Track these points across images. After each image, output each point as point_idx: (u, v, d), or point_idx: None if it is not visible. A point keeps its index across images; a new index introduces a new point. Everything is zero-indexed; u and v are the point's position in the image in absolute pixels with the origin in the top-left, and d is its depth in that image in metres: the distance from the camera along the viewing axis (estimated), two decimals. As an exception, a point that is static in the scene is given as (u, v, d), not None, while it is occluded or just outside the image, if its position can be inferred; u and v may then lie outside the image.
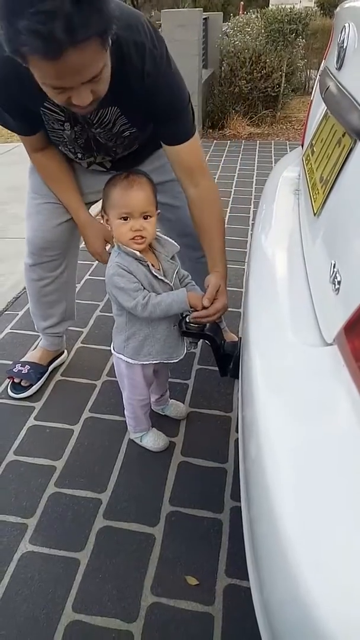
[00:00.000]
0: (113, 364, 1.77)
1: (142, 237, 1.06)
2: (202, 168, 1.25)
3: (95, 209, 1.44)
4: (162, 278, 1.11)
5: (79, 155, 1.31)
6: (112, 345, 1.25)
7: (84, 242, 1.46)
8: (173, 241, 1.18)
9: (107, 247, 1.39)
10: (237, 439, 1.46)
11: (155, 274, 1.09)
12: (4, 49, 0.80)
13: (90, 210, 1.45)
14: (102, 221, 1.15)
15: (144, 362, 1.19)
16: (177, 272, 1.16)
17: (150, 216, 1.07)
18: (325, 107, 1.05)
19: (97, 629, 1.01)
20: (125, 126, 1.19)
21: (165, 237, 1.18)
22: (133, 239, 1.06)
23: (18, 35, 0.75)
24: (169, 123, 1.16)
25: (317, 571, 0.48)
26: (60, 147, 1.29)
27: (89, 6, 0.76)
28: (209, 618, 1.03)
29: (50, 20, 0.73)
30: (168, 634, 1.00)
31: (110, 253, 1.17)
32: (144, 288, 1.09)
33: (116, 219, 1.06)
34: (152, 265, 1.09)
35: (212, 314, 1.11)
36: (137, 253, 1.07)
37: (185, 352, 1.25)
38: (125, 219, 1.05)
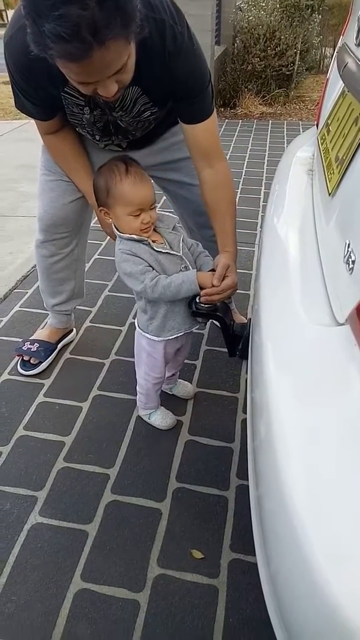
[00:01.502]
0: (121, 343, 1.79)
1: (150, 227, 1.09)
2: (218, 149, 1.24)
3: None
4: (168, 250, 1.11)
5: (97, 137, 1.30)
6: (136, 322, 1.26)
7: (97, 221, 1.46)
8: (169, 214, 1.18)
9: None
10: (244, 419, 1.48)
11: (158, 248, 1.09)
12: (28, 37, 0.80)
13: None
14: (101, 215, 1.14)
15: (169, 337, 1.20)
16: (183, 241, 1.16)
17: (155, 205, 1.09)
18: (343, 85, 1.03)
19: (105, 597, 1.04)
20: (146, 105, 1.17)
21: (160, 212, 1.19)
22: (143, 229, 1.08)
23: (44, 37, 0.75)
24: (188, 101, 1.15)
25: (326, 546, 0.49)
26: (78, 129, 1.28)
27: (112, 5, 0.75)
28: (214, 590, 1.05)
29: (75, 24, 0.73)
30: (173, 604, 1.03)
31: None
32: (153, 268, 1.09)
33: (127, 215, 1.06)
34: (152, 241, 1.10)
35: (222, 291, 1.11)
36: (135, 235, 1.07)
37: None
38: (136, 214, 1.06)
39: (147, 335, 1.22)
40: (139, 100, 1.15)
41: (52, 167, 1.41)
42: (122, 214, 1.07)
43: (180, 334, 1.21)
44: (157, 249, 1.09)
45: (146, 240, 1.09)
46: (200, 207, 1.34)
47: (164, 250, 1.10)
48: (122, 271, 1.11)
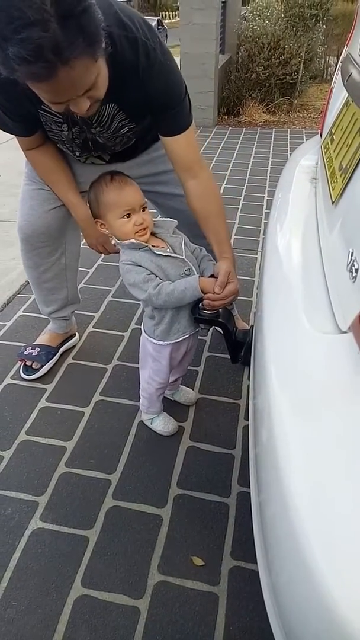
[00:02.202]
0: (124, 348, 1.80)
1: (145, 228, 1.10)
2: (198, 159, 1.26)
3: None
4: (169, 253, 1.12)
5: (77, 153, 1.32)
6: (142, 327, 1.27)
7: (83, 238, 1.46)
8: (168, 218, 1.20)
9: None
10: (245, 425, 1.47)
11: (159, 252, 1.10)
12: None
13: None
14: (98, 227, 1.16)
15: (175, 341, 1.21)
16: (185, 244, 1.17)
17: (146, 207, 1.11)
18: (347, 95, 1.04)
19: (105, 603, 1.04)
20: (124, 122, 1.20)
21: (158, 218, 1.20)
22: (137, 232, 1.09)
23: (9, 61, 0.77)
24: (165, 114, 1.17)
25: (328, 552, 0.49)
26: (58, 145, 1.30)
27: (74, 25, 0.77)
28: (214, 597, 1.05)
29: (37, 45, 0.74)
30: (173, 611, 1.02)
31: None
32: (156, 276, 1.10)
33: (118, 219, 1.09)
34: (153, 246, 1.11)
35: (224, 297, 1.12)
36: (134, 241, 1.08)
37: None
38: (127, 216, 1.08)
39: (153, 340, 1.22)
40: (116, 117, 1.17)
41: (35, 177, 1.42)
42: (114, 220, 1.09)
43: (186, 336, 1.21)
44: (157, 253, 1.10)
45: (146, 247, 1.10)
46: (193, 217, 1.35)
47: (164, 254, 1.11)
48: (127, 282, 1.12)
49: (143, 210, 1.10)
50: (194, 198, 1.26)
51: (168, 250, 1.13)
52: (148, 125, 1.24)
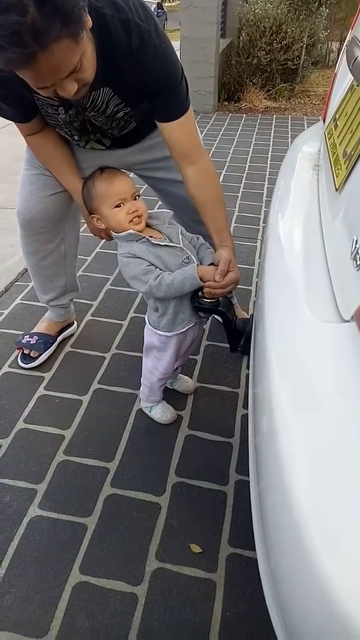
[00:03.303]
0: (122, 337, 1.79)
1: (139, 216, 1.10)
2: (197, 145, 1.23)
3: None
4: (167, 243, 1.11)
5: (76, 137, 1.30)
6: (146, 319, 1.25)
7: (85, 223, 1.44)
8: (162, 209, 1.19)
9: None
10: (244, 414, 1.47)
11: (156, 242, 1.09)
12: None
13: None
14: (94, 223, 1.17)
15: (181, 331, 1.20)
16: (182, 234, 1.15)
17: (139, 195, 1.12)
18: (352, 79, 1.01)
19: (103, 590, 1.04)
20: (119, 106, 1.17)
21: (153, 210, 1.19)
22: (132, 221, 1.09)
23: None
24: (161, 99, 1.14)
25: (328, 541, 0.49)
26: (56, 130, 1.28)
27: (50, 7, 0.75)
28: (211, 584, 1.06)
29: (14, 31, 0.73)
30: (171, 598, 1.03)
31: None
32: (156, 267, 1.08)
33: (111, 209, 1.09)
34: (150, 236, 1.10)
35: (225, 285, 1.11)
36: (132, 231, 1.08)
37: None
38: (119, 205, 1.08)
39: (158, 332, 1.21)
40: (111, 101, 1.15)
41: (35, 162, 1.40)
42: (107, 211, 1.10)
43: (191, 325, 1.20)
44: (155, 243, 1.09)
45: (143, 237, 1.08)
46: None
47: (162, 243, 1.10)
48: (127, 275, 1.12)
49: (136, 199, 1.10)
50: (192, 185, 1.24)
51: (165, 240, 1.12)
52: (147, 109, 1.22)
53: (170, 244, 1.11)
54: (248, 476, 1.19)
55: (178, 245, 1.12)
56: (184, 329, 1.20)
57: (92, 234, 1.43)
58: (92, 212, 1.14)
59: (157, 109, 1.17)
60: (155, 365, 1.30)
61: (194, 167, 1.22)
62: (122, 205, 1.08)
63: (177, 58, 1.12)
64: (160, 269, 1.09)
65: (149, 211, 1.15)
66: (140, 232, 1.10)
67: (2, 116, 1.20)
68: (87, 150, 1.39)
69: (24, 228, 1.48)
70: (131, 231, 1.08)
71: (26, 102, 1.14)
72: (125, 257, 1.10)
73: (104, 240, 1.38)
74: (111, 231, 1.14)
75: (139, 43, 1.02)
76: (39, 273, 1.61)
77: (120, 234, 1.10)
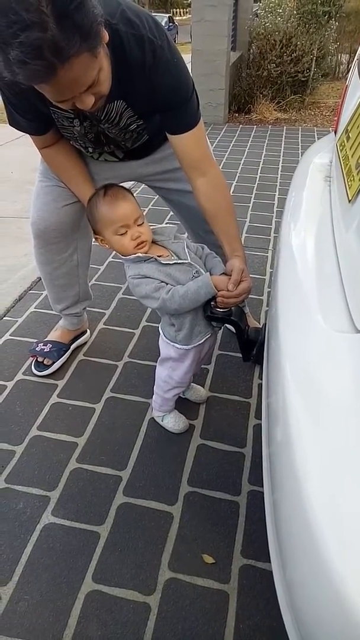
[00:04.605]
0: (134, 345, 1.80)
1: (143, 242, 1.09)
2: (208, 157, 1.25)
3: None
4: (175, 261, 1.12)
5: (90, 150, 1.33)
6: (161, 333, 1.25)
7: None
8: (166, 224, 1.18)
9: None
10: (256, 424, 1.47)
11: (165, 262, 1.10)
12: None
13: None
14: (98, 243, 1.16)
15: (199, 343, 1.20)
16: (187, 247, 1.16)
17: (143, 220, 1.10)
18: (364, 92, 1.03)
19: (116, 599, 1.04)
20: (132, 119, 1.20)
21: (157, 225, 1.20)
22: (136, 247, 1.09)
23: (10, 65, 0.78)
24: (172, 113, 1.16)
25: (344, 551, 0.49)
26: (71, 142, 1.31)
27: (70, 23, 0.78)
28: (224, 595, 1.05)
29: (36, 47, 0.75)
30: (184, 608, 1.03)
31: None
32: (167, 283, 1.09)
33: (114, 236, 1.08)
34: (158, 256, 1.10)
35: (238, 295, 1.12)
36: (140, 254, 1.08)
37: None
38: (123, 232, 1.08)
39: (176, 345, 1.21)
40: (124, 114, 1.17)
41: (49, 174, 1.43)
42: (110, 236, 1.09)
43: (208, 336, 1.21)
44: (164, 263, 1.10)
45: (152, 258, 1.09)
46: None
47: (171, 262, 1.11)
48: (138, 295, 1.12)
49: (140, 225, 1.09)
50: (202, 196, 1.25)
51: (173, 257, 1.13)
52: (159, 122, 1.24)
53: (179, 261, 1.12)
54: (260, 486, 1.18)
55: (186, 261, 1.13)
56: (202, 341, 1.20)
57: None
58: (96, 233, 1.13)
59: (168, 122, 1.19)
60: (170, 374, 1.30)
61: (204, 179, 1.23)
62: (125, 232, 1.08)
63: (188, 73, 1.15)
64: (171, 285, 1.10)
65: (152, 227, 1.15)
66: (146, 252, 1.10)
67: (18, 129, 1.23)
68: (101, 162, 1.41)
69: (38, 238, 1.51)
70: (139, 254, 1.08)
71: (42, 116, 1.17)
72: (136, 279, 1.10)
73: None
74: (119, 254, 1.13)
75: (152, 58, 1.05)
76: (52, 282, 1.63)
77: (127, 257, 1.10)
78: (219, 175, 1.27)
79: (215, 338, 1.32)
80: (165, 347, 1.26)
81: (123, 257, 1.12)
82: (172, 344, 1.22)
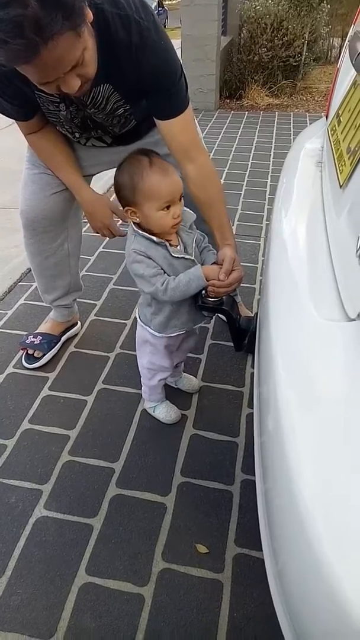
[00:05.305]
0: (126, 336, 1.78)
1: (179, 223, 1.05)
2: (197, 143, 1.23)
3: (98, 183, 1.42)
4: (183, 255, 1.09)
5: (76, 135, 1.30)
6: (137, 314, 1.24)
7: (87, 221, 1.44)
8: (187, 209, 1.14)
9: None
10: (249, 413, 1.47)
11: (175, 254, 1.07)
12: None
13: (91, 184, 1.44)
14: (126, 216, 1.06)
15: (171, 335, 1.19)
16: (195, 241, 1.14)
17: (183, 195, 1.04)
18: (355, 74, 1.00)
19: (110, 591, 1.04)
20: (119, 103, 1.17)
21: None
22: (173, 226, 1.04)
23: None
24: (160, 96, 1.13)
25: (335, 541, 0.49)
26: (57, 127, 1.28)
27: (52, 1, 0.75)
28: (218, 585, 1.05)
29: (17, 24, 0.73)
30: (178, 598, 1.03)
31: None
32: (164, 271, 1.07)
33: (158, 211, 1.00)
34: (170, 244, 1.07)
35: (229, 284, 1.10)
36: (154, 237, 1.04)
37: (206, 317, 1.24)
38: (167, 207, 1.00)
39: (148, 329, 1.20)
40: (110, 98, 1.14)
41: (37, 161, 1.40)
42: (152, 211, 1.01)
43: (182, 332, 1.20)
44: (175, 256, 1.07)
45: (164, 243, 1.05)
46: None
47: (179, 256, 1.08)
48: (134, 272, 1.07)
49: (181, 200, 1.03)
50: (192, 183, 1.23)
51: (181, 248, 1.10)
52: (147, 107, 1.21)
53: (186, 257, 1.09)
54: (254, 475, 1.18)
55: (191, 258, 1.10)
56: (174, 334, 1.19)
57: (94, 233, 1.43)
58: (130, 205, 1.03)
59: (156, 107, 1.17)
60: (151, 360, 1.29)
61: (193, 165, 1.21)
62: (169, 207, 1.00)
63: (176, 56, 1.12)
64: (167, 274, 1.07)
65: None
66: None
67: (3, 114, 1.20)
68: (88, 148, 1.38)
69: (27, 228, 1.48)
70: (154, 238, 1.04)
71: (27, 100, 1.13)
72: (138, 255, 1.05)
73: (107, 239, 1.37)
74: (133, 224, 1.06)
75: (139, 40, 1.02)
76: (42, 273, 1.61)
77: (143, 233, 1.04)
78: (207, 162, 1.25)
79: (194, 340, 1.31)
80: (141, 330, 1.25)
81: (138, 230, 1.05)
82: (146, 327, 1.21)
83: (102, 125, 1.25)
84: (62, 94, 0.97)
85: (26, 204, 1.44)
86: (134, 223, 1.06)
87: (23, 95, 1.11)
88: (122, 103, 1.17)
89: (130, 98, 1.17)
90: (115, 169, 1.07)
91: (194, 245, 1.13)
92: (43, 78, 0.90)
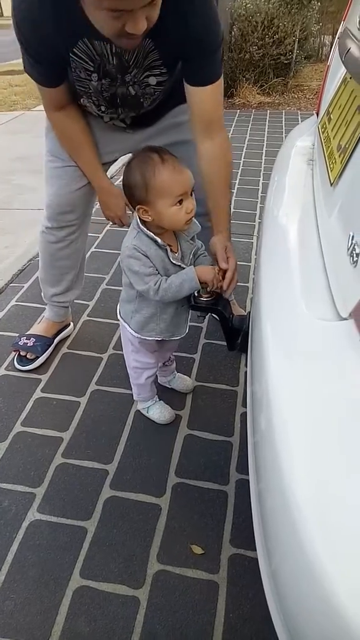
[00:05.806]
0: (120, 337, 1.77)
1: (192, 218, 1.04)
2: (220, 117, 1.22)
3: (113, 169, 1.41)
4: (179, 263, 1.08)
5: (102, 108, 1.27)
6: (118, 310, 1.23)
7: (100, 207, 1.47)
8: (196, 220, 1.12)
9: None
10: (243, 413, 1.46)
11: (173, 260, 1.06)
12: None
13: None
14: (138, 214, 1.03)
15: (146, 338, 1.18)
16: (192, 254, 1.13)
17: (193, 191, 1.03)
18: (345, 71, 1.00)
19: (104, 594, 1.03)
20: (156, 62, 1.14)
21: None
22: (187, 222, 1.03)
23: None
24: (199, 60, 1.12)
25: (328, 542, 0.48)
26: (83, 99, 1.25)
27: None
28: (214, 586, 1.05)
29: None
30: (173, 600, 1.02)
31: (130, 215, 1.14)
32: (158, 272, 1.06)
33: (171, 207, 0.98)
34: (170, 249, 1.06)
35: (232, 272, 1.12)
36: (159, 239, 1.03)
37: (187, 331, 1.23)
38: (179, 202, 0.99)
39: (126, 326, 1.19)
40: (149, 56, 1.12)
41: (58, 152, 1.39)
42: (165, 207, 0.98)
43: (159, 339, 1.19)
44: (172, 260, 1.06)
45: (165, 247, 1.05)
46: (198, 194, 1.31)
47: (177, 263, 1.07)
48: (129, 267, 1.05)
49: (192, 194, 1.01)
50: (205, 160, 1.22)
51: (178, 256, 1.09)
52: (175, 83, 1.20)
53: (183, 265, 1.09)
54: (248, 475, 1.17)
55: (185, 267, 1.09)
56: (149, 339, 1.18)
57: (105, 219, 1.43)
58: (143, 203, 0.99)
59: (192, 71, 1.15)
60: (135, 358, 1.28)
61: (212, 143, 1.21)
62: (181, 202, 0.98)
63: (220, 22, 1.11)
64: (160, 275, 1.07)
65: None
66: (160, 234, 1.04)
67: (31, 76, 1.18)
68: (105, 133, 1.38)
69: (52, 220, 1.50)
70: (158, 239, 1.03)
71: (60, 63, 1.12)
72: (137, 252, 1.03)
73: (99, 239, 1.37)
74: (140, 221, 1.04)
75: (188, 2, 1.02)
76: (53, 264, 1.62)
77: (147, 232, 1.03)
78: (226, 142, 1.25)
79: (176, 344, 1.31)
80: (123, 328, 1.24)
81: (143, 228, 1.03)
82: (125, 323, 1.20)
83: (131, 101, 1.23)
84: (122, 37, 0.95)
85: (53, 197, 1.47)
86: (142, 220, 1.04)
87: (56, 57, 1.10)
88: (159, 64, 1.14)
89: (167, 59, 1.14)
90: (123, 159, 1.05)
91: (190, 256, 1.12)
92: (121, 4, 0.87)
